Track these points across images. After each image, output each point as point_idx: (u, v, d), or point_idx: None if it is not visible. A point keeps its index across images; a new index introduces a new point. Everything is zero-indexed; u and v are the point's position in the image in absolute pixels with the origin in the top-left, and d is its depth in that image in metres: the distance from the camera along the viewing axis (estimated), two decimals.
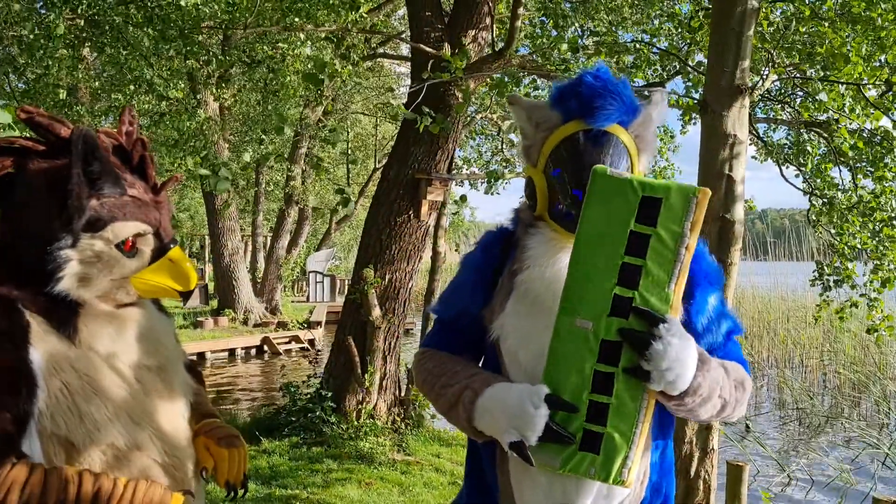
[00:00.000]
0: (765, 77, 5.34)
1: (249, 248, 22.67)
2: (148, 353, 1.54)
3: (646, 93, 1.87)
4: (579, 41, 5.88)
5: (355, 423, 6.93)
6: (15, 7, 5.99)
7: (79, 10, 6.03)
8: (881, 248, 6.32)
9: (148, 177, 1.58)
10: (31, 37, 6.70)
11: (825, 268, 7.00)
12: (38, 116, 1.48)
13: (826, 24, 5.04)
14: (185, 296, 1.58)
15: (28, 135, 1.59)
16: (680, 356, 1.45)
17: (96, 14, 6.31)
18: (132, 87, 8.06)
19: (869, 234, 6.42)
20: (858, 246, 6.72)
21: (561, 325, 1.50)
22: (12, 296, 1.40)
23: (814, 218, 7.03)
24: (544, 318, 1.56)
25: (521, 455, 1.49)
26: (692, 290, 1.63)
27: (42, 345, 1.38)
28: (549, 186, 1.69)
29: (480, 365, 1.79)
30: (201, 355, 14.45)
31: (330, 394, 7.02)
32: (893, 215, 6.14)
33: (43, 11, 6.48)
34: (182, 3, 6.04)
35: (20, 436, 1.33)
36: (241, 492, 1.67)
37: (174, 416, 1.58)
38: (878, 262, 6.43)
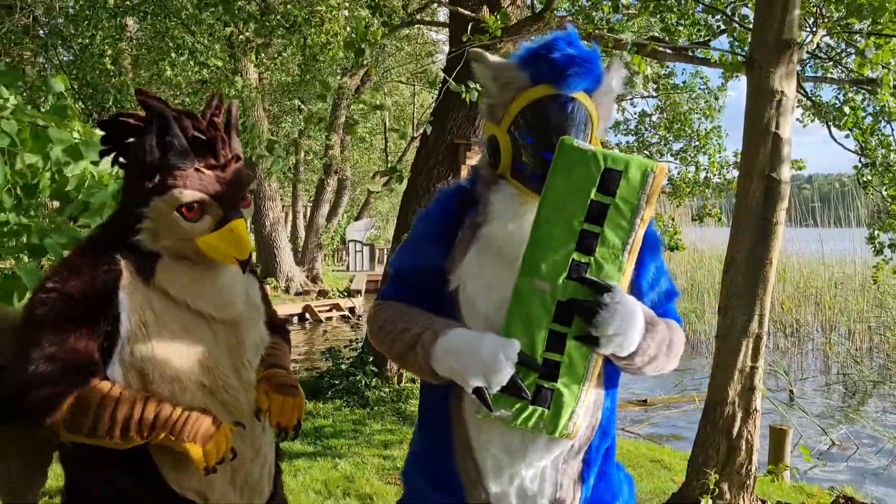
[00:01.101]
0: (813, 32, 5.17)
1: (290, 217, 22.93)
2: (218, 307, 1.74)
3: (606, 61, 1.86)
4: (620, 1, 5.74)
5: (396, 386, 7.02)
6: None
7: None
8: None
9: (217, 154, 1.74)
10: (77, 7, 6.80)
11: (877, 231, 6.82)
12: (148, 97, 1.72)
13: None
14: (242, 263, 1.75)
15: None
16: (625, 322, 1.54)
17: None
18: (173, 55, 8.14)
19: None
20: None
21: (521, 285, 1.58)
22: (112, 245, 1.68)
23: (865, 179, 6.83)
24: (506, 269, 1.63)
25: (482, 400, 1.58)
26: (641, 255, 1.69)
27: (129, 286, 1.64)
28: (514, 146, 1.72)
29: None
30: None
31: (371, 358, 7.11)
32: None
33: None
34: None
35: (105, 361, 1.60)
36: (290, 434, 1.81)
37: (236, 361, 1.76)
38: None
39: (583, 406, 1.60)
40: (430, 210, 1.87)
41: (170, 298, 1.67)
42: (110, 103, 8.09)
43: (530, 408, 1.57)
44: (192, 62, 7.89)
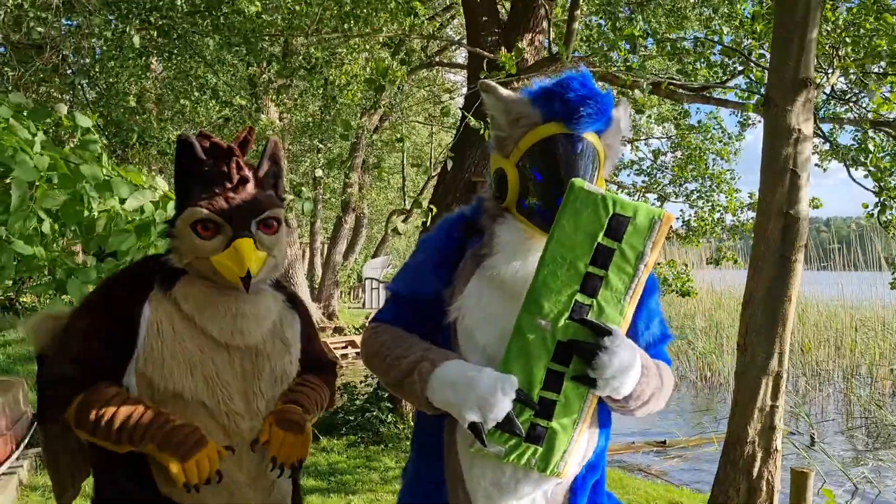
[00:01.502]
0: (829, 73, 5.22)
1: (307, 254, 23.05)
2: (230, 329, 1.78)
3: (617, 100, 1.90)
4: (637, 40, 5.82)
5: (411, 422, 6.95)
6: (96, 21, 6.26)
7: (150, 20, 6.27)
8: None
9: (229, 176, 1.81)
10: (104, 48, 6.98)
11: None
12: (203, 134, 1.86)
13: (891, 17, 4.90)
14: (245, 281, 1.76)
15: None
16: (623, 366, 1.56)
17: (166, 24, 6.55)
18: (196, 94, 8.31)
19: None
20: None
21: (523, 322, 1.59)
22: (153, 263, 1.84)
23: (885, 219, 6.79)
24: (507, 303, 1.64)
25: (477, 435, 1.57)
26: (641, 297, 1.71)
27: (156, 303, 1.75)
28: (522, 181, 1.72)
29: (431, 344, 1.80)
30: None
31: (386, 394, 7.08)
32: None
33: (115, 23, 6.74)
34: (245, 11, 6.23)
35: (119, 370, 1.70)
36: (286, 472, 1.81)
37: (248, 388, 1.79)
38: None
39: (575, 445, 1.62)
40: (433, 236, 1.87)
41: (182, 313, 1.75)
42: (134, 139, 8.26)
43: (523, 445, 1.58)
44: (214, 101, 8.05)
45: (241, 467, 1.77)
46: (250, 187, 1.84)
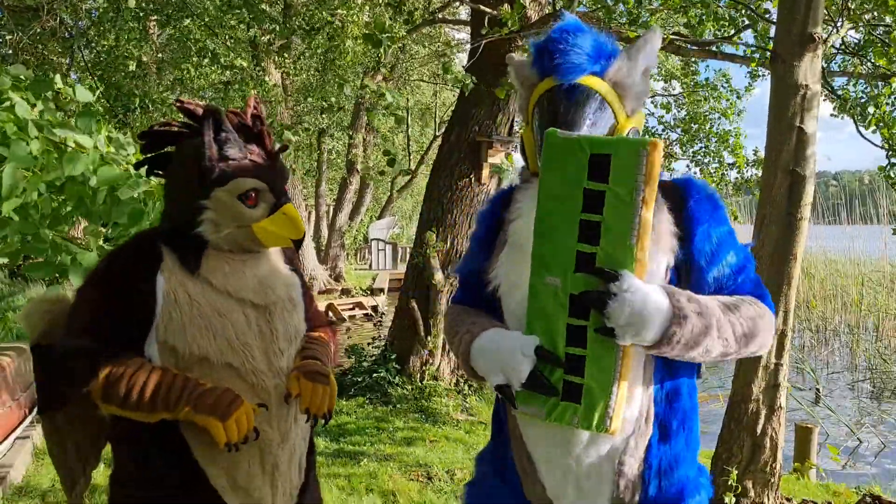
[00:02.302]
0: (839, 26, 5.11)
1: (313, 216, 23.06)
2: (255, 292, 1.84)
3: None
4: None
5: (419, 384, 7.05)
6: None
7: None
8: None
9: (265, 145, 1.88)
10: (101, 10, 6.90)
11: None
12: (187, 104, 1.87)
13: None
14: (297, 243, 1.88)
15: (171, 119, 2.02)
16: (636, 310, 1.47)
17: None
18: (195, 59, 8.22)
19: None
20: None
21: (533, 282, 1.57)
22: (155, 235, 1.82)
23: (892, 175, 6.72)
24: (529, 266, 1.62)
25: (506, 397, 1.63)
26: (690, 228, 1.64)
27: (168, 273, 1.75)
28: (536, 143, 1.73)
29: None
30: None
31: (394, 356, 7.15)
32: None
33: None
34: None
35: (142, 338, 1.71)
36: (321, 422, 1.90)
37: (268, 347, 1.84)
38: None
39: (618, 399, 1.54)
40: (480, 212, 1.93)
41: (209, 286, 1.78)
42: (136, 104, 8.20)
43: (562, 404, 1.56)
44: (215, 65, 7.96)
45: (272, 425, 1.80)
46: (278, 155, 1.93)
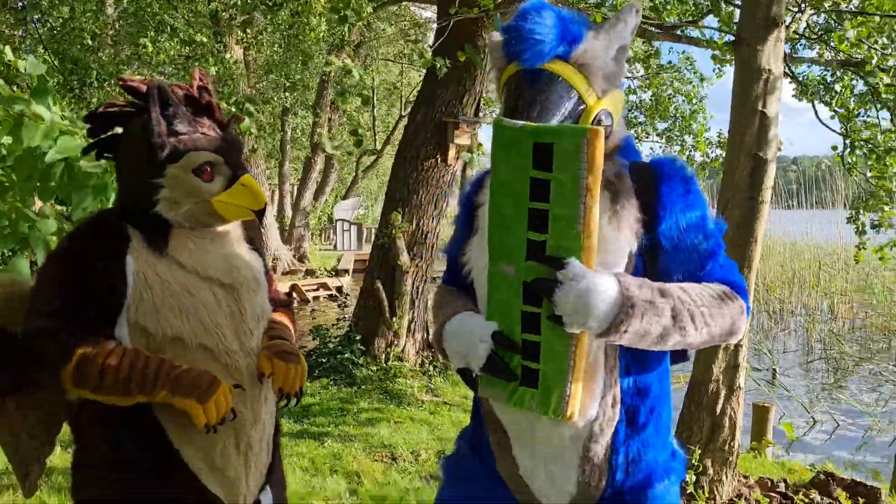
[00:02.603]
0: (802, 11, 5.16)
1: (276, 196, 22.81)
2: (222, 271, 1.82)
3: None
4: None
5: (384, 365, 7.04)
6: None
7: None
8: None
9: (215, 117, 1.85)
10: None
11: (861, 211, 6.86)
12: (130, 81, 1.82)
13: None
14: (259, 215, 1.86)
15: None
16: (582, 299, 1.45)
17: None
18: (152, 34, 8.01)
19: None
20: (894, 189, 6.55)
21: (491, 271, 1.59)
22: (120, 216, 1.77)
23: (849, 161, 6.85)
24: None
25: (466, 381, 1.68)
26: (657, 212, 1.63)
27: (136, 253, 1.71)
28: None
29: None
30: None
31: (359, 337, 7.12)
32: None
33: None
34: None
35: (113, 321, 1.67)
36: (293, 400, 1.89)
37: (238, 327, 1.82)
38: None
39: (573, 385, 1.53)
40: (460, 196, 1.91)
41: (177, 264, 1.75)
42: (93, 77, 7.98)
43: (521, 389, 1.58)
44: (174, 40, 7.76)
45: (246, 405, 1.79)
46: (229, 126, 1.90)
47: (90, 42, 7.64)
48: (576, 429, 1.64)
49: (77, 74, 7.84)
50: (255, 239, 2.03)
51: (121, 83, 1.85)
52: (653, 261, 1.65)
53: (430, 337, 1.86)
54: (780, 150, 8.37)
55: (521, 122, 1.54)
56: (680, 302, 1.57)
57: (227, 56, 7.56)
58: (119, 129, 1.86)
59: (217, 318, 1.76)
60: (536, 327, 1.55)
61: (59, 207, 2.91)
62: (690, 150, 9.86)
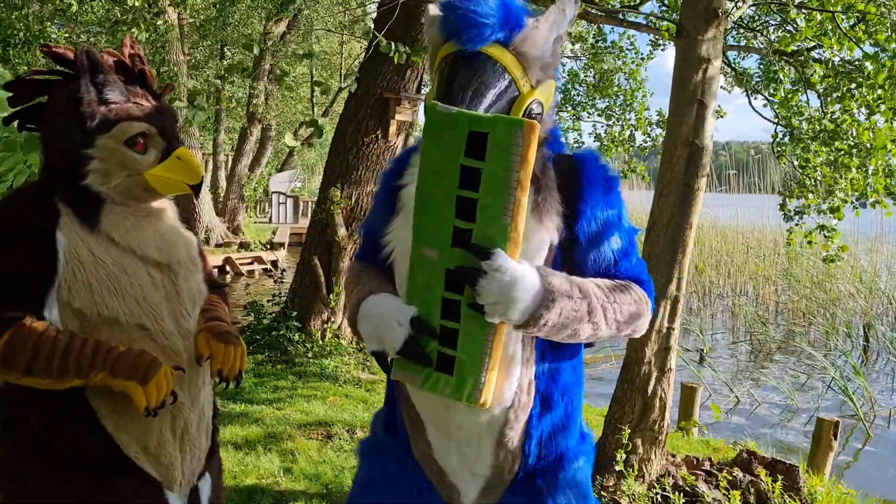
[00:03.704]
0: (744, 1, 5.28)
1: (210, 166, 22.25)
2: (159, 250, 1.75)
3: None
4: None
5: (320, 342, 6.98)
6: None
7: None
8: (836, 176, 6.39)
9: (148, 86, 1.79)
10: None
11: (787, 199, 7.10)
12: (55, 48, 1.74)
13: None
14: (195, 189, 1.80)
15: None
16: (505, 290, 1.47)
17: None
18: None
19: (825, 164, 6.49)
20: (819, 177, 6.80)
21: (413, 254, 1.58)
22: (49, 191, 1.68)
23: (779, 148, 7.08)
24: None
25: (380, 364, 1.66)
26: (578, 207, 1.65)
27: (67, 230, 1.63)
28: None
29: None
30: None
31: (294, 313, 7.04)
32: (853, 143, 6.19)
33: None
34: None
35: (42, 301, 1.60)
36: (233, 383, 1.84)
37: (175, 308, 1.77)
38: (829, 191, 6.53)
39: (489, 373, 1.55)
40: (383, 173, 1.87)
41: (111, 242, 1.68)
42: (19, 38, 7.58)
43: (435, 374, 1.58)
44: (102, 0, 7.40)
45: (184, 388, 1.75)
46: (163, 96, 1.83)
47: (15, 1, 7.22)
48: (491, 415, 1.66)
49: (0, 35, 7.42)
50: (188, 219, 1.97)
51: (44, 50, 1.75)
52: (569, 255, 1.69)
53: (346, 315, 1.83)
54: (721, 115, 8.53)
55: (455, 109, 1.52)
56: (595, 297, 1.61)
57: (161, 22, 7.26)
58: (43, 99, 1.77)
59: (153, 298, 1.71)
60: (456, 314, 1.55)
61: None
62: (632, 130, 10.00)
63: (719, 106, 8.36)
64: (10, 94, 1.76)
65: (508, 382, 1.65)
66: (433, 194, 1.53)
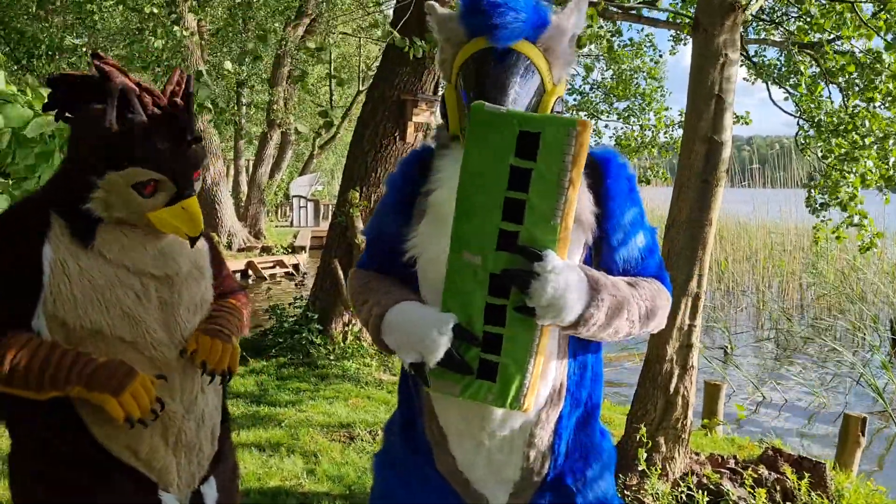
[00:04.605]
0: None
1: (231, 171, 22.43)
2: (157, 264, 1.75)
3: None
4: None
5: (342, 344, 7.01)
6: None
7: None
8: (845, 170, 6.28)
9: (175, 133, 1.74)
10: None
11: (813, 191, 7.00)
12: (104, 63, 1.71)
13: None
14: (192, 240, 1.78)
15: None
16: (560, 292, 1.46)
17: None
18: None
19: (837, 158, 6.38)
20: (835, 167, 6.70)
21: (451, 260, 1.53)
22: (44, 201, 1.70)
23: (802, 141, 6.99)
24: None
25: (420, 376, 1.58)
26: (607, 206, 1.65)
27: (56, 241, 1.64)
28: (460, 105, 1.65)
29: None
30: None
31: (316, 316, 7.07)
32: (864, 134, 6.07)
33: None
34: None
35: (28, 312, 1.61)
36: (217, 378, 1.82)
37: (169, 318, 1.75)
38: (838, 185, 6.41)
39: (533, 377, 1.54)
40: (393, 176, 1.83)
41: (103, 259, 1.68)
42: (42, 50, 7.69)
43: (477, 382, 1.54)
44: (120, 6, 7.45)
45: (175, 398, 1.74)
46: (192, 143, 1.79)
47: (35, 10, 7.32)
48: (526, 417, 1.65)
49: (24, 46, 7.53)
50: (210, 226, 1.97)
51: (95, 61, 1.73)
52: (598, 253, 1.68)
53: (362, 323, 1.78)
54: (748, 123, 8.45)
55: (503, 108, 1.50)
56: (630, 296, 1.61)
57: (177, 28, 7.32)
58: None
59: (144, 309, 1.71)
60: (500, 319, 1.51)
61: (1, 180, 2.82)
62: (652, 130, 9.94)
63: (746, 112, 8.27)
64: (52, 89, 1.76)
65: (545, 383, 1.63)
66: (477, 197, 1.49)
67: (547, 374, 1.63)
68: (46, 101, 1.79)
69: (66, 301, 1.62)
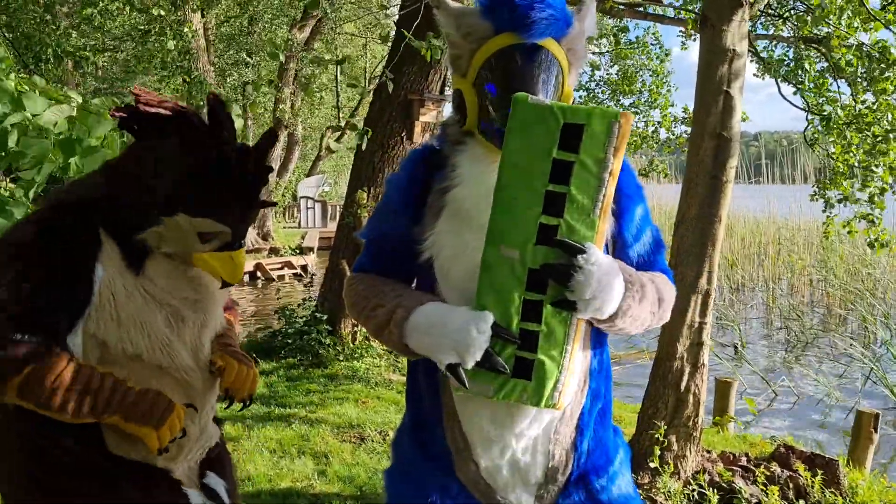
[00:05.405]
0: None
1: None
2: (192, 287, 1.76)
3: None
4: None
5: (351, 345, 7.01)
6: None
7: None
8: (873, 164, 6.24)
9: (252, 194, 1.77)
10: None
11: (824, 187, 6.95)
12: (149, 102, 1.68)
13: None
14: (225, 285, 1.80)
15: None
16: (602, 284, 1.46)
17: None
18: (105, 1, 7.71)
19: (864, 152, 6.34)
20: (855, 164, 6.65)
21: (488, 254, 1.50)
22: (92, 213, 1.65)
23: (811, 136, 6.95)
24: (475, 235, 1.55)
25: (456, 377, 1.52)
26: (620, 202, 1.65)
27: (107, 262, 1.62)
28: (480, 101, 1.63)
29: (414, 286, 1.78)
30: None
31: (325, 317, 7.07)
32: (889, 128, 6.03)
33: None
34: None
35: (67, 332, 1.57)
36: (238, 405, 1.84)
37: (195, 342, 1.77)
38: (867, 178, 6.37)
39: (567, 373, 1.53)
40: (397, 176, 1.80)
41: (151, 283, 1.68)
42: (49, 54, 7.71)
43: (511, 381, 1.50)
44: (128, 8, 7.47)
45: (194, 420, 1.75)
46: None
47: (43, 14, 7.34)
48: (553, 415, 1.64)
49: (32, 51, 7.56)
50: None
51: (136, 96, 1.69)
52: (613, 249, 1.69)
53: (372, 328, 1.69)
54: (744, 119, 8.45)
55: (547, 101, 1.49)
56: (651, 289, 1.63)
57: (186, 29, 7.34)
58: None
59: (175, 335, 1.71)
60: (537, 315, 1.49)
61: (13, 186, 2.83)
62: (656, 126, 9.92)
63: (744, 112, 8.23)
64: (124, 115, 1.71)
65: (574, 379, 1.61)
66: (516, 190, 1.47)
67: (576, 369, 1.61)
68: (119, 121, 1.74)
69: (109, 321, 1.60)
